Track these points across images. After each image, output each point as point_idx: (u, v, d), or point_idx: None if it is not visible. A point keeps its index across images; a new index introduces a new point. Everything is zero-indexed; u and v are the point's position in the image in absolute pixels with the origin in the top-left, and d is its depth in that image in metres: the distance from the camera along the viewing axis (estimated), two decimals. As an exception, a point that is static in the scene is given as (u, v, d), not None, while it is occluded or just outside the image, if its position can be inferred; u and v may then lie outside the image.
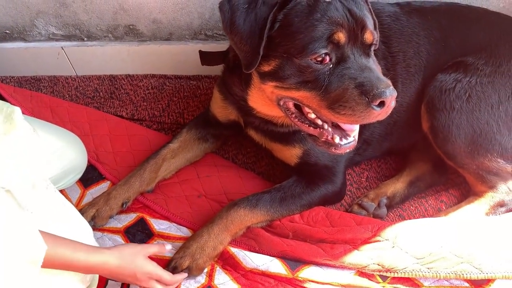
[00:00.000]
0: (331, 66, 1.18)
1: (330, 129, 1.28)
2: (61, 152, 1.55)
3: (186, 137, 1.74)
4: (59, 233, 1.11)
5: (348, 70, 1.17)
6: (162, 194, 1.69)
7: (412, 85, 1.58)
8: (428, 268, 1.37)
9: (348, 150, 1.29)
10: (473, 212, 1.52)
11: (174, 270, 1.41)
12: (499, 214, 1.52)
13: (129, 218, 1.63)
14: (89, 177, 1.75)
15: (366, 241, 1.42)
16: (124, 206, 1.62)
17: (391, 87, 1.14)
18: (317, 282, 1.41)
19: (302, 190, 1.52)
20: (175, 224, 1.61)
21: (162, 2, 1.93)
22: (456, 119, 1.48)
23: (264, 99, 1.37)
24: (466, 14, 1.63)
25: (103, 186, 1.74)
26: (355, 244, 1.43)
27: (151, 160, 1.68)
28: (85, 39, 2.10)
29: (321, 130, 1.28)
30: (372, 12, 1.30)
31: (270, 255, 1.47)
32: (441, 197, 1.64)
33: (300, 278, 1.42)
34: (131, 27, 2.04)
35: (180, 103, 2.04)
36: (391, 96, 1.12)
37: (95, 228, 1.57)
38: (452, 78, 1.50)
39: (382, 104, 1.13)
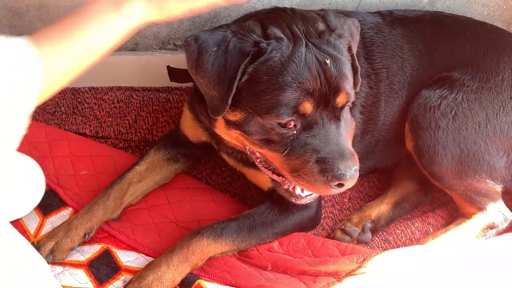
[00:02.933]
0: (295, 132, 1.14)
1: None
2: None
3: (155, 158, 1.61)
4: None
5: (313, 139, 1.13)
6: (128, 222, 1.56)
7: (395, 103, 1.49)
8: (417, 302, 1.29)
9: (309, 201, 1.30)
10: (462, 235, 1.45)
11: None
12: (489, 236, 1.45)
13: (92, 250, 1.49)
14: (48, 204, 1.59)
15: (351, 273, 1.33)
16: (86, 237, 1.48)
17: (354, 167, 1.11)
18: (299, 319, 1.31)
19: (274, 217, 1.42)
20: (143, 255, 1.48)
21: (126, 10, 1.79)
22: (442, 139, 1.40)
23: (231, 138, 1.30)
24: (451, 24, 1.56)
25: (64, 213, 1.59)
26: (339, 276, 1.33)
27: (116, 185, 1.54)
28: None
29: (284, 179, 1.25)
30: (355, 58, 1.23)
31: (247, 290, 1.36)
32: (428, 218, 1.56)
33: (280, 315, 1.31)
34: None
35: (148, 118, 1.90)
36: (351, 179, 1.10)
37: (54, 262, 1.43)
38: (437, 94, 1.42)
39: (341, 185, 1.11)
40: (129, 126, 1.87)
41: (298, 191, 1.26)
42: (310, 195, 1.27)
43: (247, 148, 1.28)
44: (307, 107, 1.11)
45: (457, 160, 1.41)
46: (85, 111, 1.93)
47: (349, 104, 1.19)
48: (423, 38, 1.50)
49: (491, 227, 1.45)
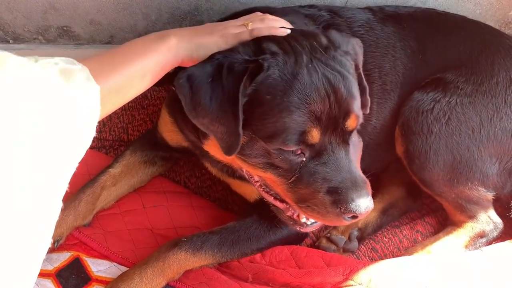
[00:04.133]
0: (304, 159, 1.03)
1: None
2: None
3: (130, 161, 1.51)
4: None
5: (323, 167, 1.03)
6: (100, 228, 1.45)
7: (387, 104, 1.42)
8: (406, 315, 1.22)
9: (314, 229, 1.21)
10: (452, 244, 1.40)
11: None
12: (480, 246, 1.40)
13: (61, 258, 1.38)
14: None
15: (337, 286, 1.25)
16: (55, 244, 1.38)
17: (368, 197, 1.02)
18: (281, 333, 1.23)
19: (261, 232, 1.33)
20: (116, 264, 1.38)
21: (100, 1, 1.67)
22: (434, 144, 1.33)
23: (226, 159, 1.19)
24: (444, 22, 1.49)
25: (32, 218, 1.48)
26: (324, 288, 1.26)
27: (88, 189, 1.43)
28: (11, 41, 1.81)
29: (288, 205, 1.14)
30: (362, 77, 1.14)
31: (226, 302, 1.27)
32: (417, 226, 1.50)
33: (261, 329, 1.23)
34: (65, 28, 1.76)
35: (123, 116, 1.78)
36: (366, 211, 1.01)
37: (20, 272, 1.32)
38: (430, 97, 1.35)
39: (355, 217, 1.02)
40: (103, 124, 1.75)
41: (303, 219, 1.15)
42: (315, 222, 1.16)
43: (244, 171, 1.18)
44: (315, 135, 1.01)
45: (449, 166, 1.34)
46: (57, 106, 1.82)
47: (358, 127, 1.09)
48: (415, 36, 1.43)
49: (482, 235, 1.40)
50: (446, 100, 1.33)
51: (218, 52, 1.07)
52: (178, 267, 1.27)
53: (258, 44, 1.06)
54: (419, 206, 1.55)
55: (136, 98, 1.79)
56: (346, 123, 1.03)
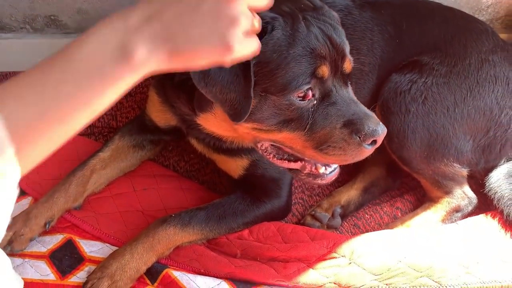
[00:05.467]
0: (315, 102, 1.10)
1: (314, 161, 1.20)
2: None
3: (119, 145, 1.55)
4: None
5: (334, 106, 1.10)
6: (92, 211, 1.49)
7: (366, 85, 1.48)
8: (386, 285, 1.29)
9: (334, 178, 1.23)
10: (430, 219, 1.47)
11: None
12: (455, 220, 1.48)
13: (54, 240, 1.42)
14: (6, 193, 1.51)
15: (322, 258, 1.32)
16: (47, 226, 1.41)
17: (381, 123, 1.10)
18: (270, 305, 1.29)
19: (245, 207, 1.39)
20: (108, 245, 1.42)
21: (88, -10, 1.72)
22: (412, 123, 1.40)
23: (224, 127, 1.23)
24: (421, 9, 1.56)
25: (24, 202, 1.51)
26: (309, 262, 1.32)
27: (78, 172, 1.47)
28: (-2, 30, 1.84)
29: (303, 162, 1.20)
30: None
31: (216, 277, 1.32)
32: (396, 203, 1.57)
33: (251, 302, 1.29)
34: (52, 17, 1.80)
35: (112, 103, 1.82)
36: (383, 133, 1.08)
37: (13, 254, 1.35)
38: (407, 79, 1.42)
39: (374, 142, 1.09)
40: (92, 112, 1.79)
41: (322, 169, 1.21)
42: (333, 171, 1.22)
43: (259, 146, 1.22)
44: (324, 70, 1.09)
45: (426, 144, 1.42)
46: (44, 95, 1.85)
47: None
48: (393, 21, 1.50)
49: (457, 210, 1.48)
50: (422, 81, 1.41)
51: None
52: (167, 242, 1.32)
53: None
54: (398, 184, 1.63)
55: (123, 85, 1.86)
56: (344, 66, 1.13)
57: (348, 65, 1.14)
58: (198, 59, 0.76)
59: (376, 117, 1.11)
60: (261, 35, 1.04)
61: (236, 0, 0.74)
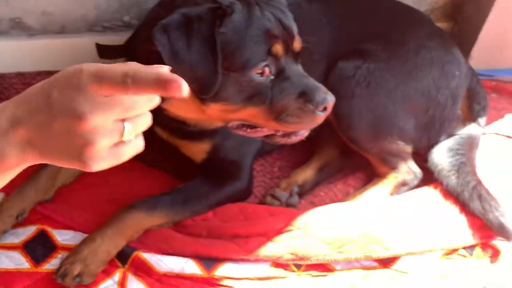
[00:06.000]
0: (272, 77, 1.22)
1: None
2: None
3: None
4: None
5: (288, 81, 1.23)
6: (63, 202, 1.56)
7: (316, 73, 1.58)
8: (339, 252, 1.41)
9: (302, 138, 1.34)
10: (378, 193, 1.59)
11: (64, 278, 1.33)
12: (402, 192, 1.60)
13: (27, 232, 1.48)
14: (-22, 190, 1.57)
15: (279, 231, 1.43)
16: (19, 218, 1.47)
17: (329, 92, 1.24)
18: (234, 278, 1.39)
19: (208, 190, 1.49)
20: (80, 233, 1.49)
21: (51, -7, 1.78)
22: (357, 106, 1.53)
23: (190, 108, 1.32)
24: (364, 1, 1.69)
25: (-4, 198, 1.57)
26: (268, 236, 1.43)
27: (48, 165, 1.54)
28: (-37, 34, 1.88)
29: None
30: None
31: (184, 256, 1.42)
32: (349, 180, 1.69)
33: (216, 277, 1.39)
34: (16, 20, 1.85)
35: (80, 101, 1.90)
36: (332, 101, 1.22)
37: (-13, 246, 1.41)
38: (352, 65, 1.54)
39: (325, 109, 1.22)
40: (60, 110, 1.86)
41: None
42: (301, 132, 1.33)
43: (230, 125, 1.32)
44: (278, 48, 1.21)
45: (371, 124, 1.54)
46: (13, 96, 1.88)
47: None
48: (339, 13, 1.62)
49: (403, 184, 1.60)
50: (365, 67, 1.53)
51: (179, 7, 1.21)
52: (135, 227, 1.41)
53: None
54: (351, 164, 1.73)
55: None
56: (294, 45, 1.26)
57: (298, 44, 1.27)
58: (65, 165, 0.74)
59: (325, 88, 1.25)
60: (222, 18, 1.17)
61: (87, 123, 0.66)
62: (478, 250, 1.48)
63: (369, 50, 1.56)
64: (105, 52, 1.52)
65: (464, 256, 1.47)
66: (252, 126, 1.31)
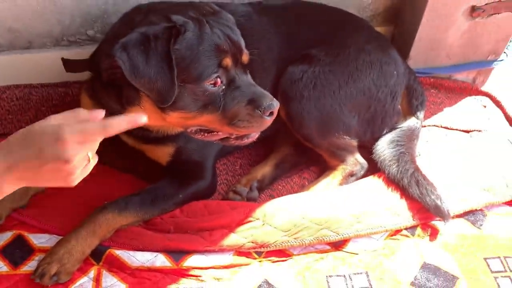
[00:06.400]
0: (223, 87, 1.36)
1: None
2: None
3: None
4: None
5: (238, 90, 1.38)
6: (38, 208, 1.65)
7: (268, 78, 1.75)
8: (295, 239, 1.56)
9: (254, 140, 1.49)
10: (329, 183, 1.75)
11: (42, 278, 1.43)
12: (350, 182, 1.77)
13: (4, 237, 1.57)
14: (-46, 201, 1.65)
15: (240, 223, 1.57)
16: (-5, 225, 1.56)
17: (274, 99, 1.39)
18: (201, 268, 1.52)
19: (174, 189, 1.61)
20: (55, 236, 1.59)
21: (16, 11, 1.86)
22: (306, 106, 1.69)
23: (156, 119, 1.42)
24: (309, 10, 1.86)
25: (-28, 208, 1.65)
26: (230, 227, 1.57)
27: None
28: None
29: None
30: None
31: (154, 251, 1.54)
32: (304, 174, 1.85)
33: (184, 267, 1.51)
34: (-17, 36, 1.93)
35: (49, 112, 1.98)
36: (277, 107, 1.37)
37: (-34, 253, 1.49)
38: (300, 69, 1.70)
39: (271, 114, 1.37)
40: (30, 121, 1.93)
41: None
42: (253, 135, 1.47)
43: (189, 130, 1.44)
44: (228, 61, 1.35)
45: (320, 122, 1.70)
46: (-19, 109, 1.97)
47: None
48: (286, 23, 1.77)
49: (351, 174, 1.77)
50: (311, 70, 1.69)
51: (139, 26, 1.33)
52: (107, 226, 1.52)
53: (168, 17, 1.35)
54: (305, 160, 1.89)
55: (59, 95, 2.03)
56: (242, 58, 1.40)
57: (245, 57, 1.42)
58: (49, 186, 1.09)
59: (270, 95, 1.39)
60: (176, 36, 1.30)
61: (71, 162, 1.00)
62: (419, 230, 1.66)
63: (314, 55, 1.72)
64: (71, 66, 1.62)
65: (407, 236, 1.65)
66: (209, 131, 1.45)
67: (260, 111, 1.35)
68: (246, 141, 1.47)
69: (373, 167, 1.80)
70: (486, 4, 1.91)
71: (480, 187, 1.73)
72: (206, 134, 1.45)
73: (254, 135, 1.47)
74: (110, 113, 1.60)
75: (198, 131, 1.45)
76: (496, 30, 2.02)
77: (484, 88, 2.26)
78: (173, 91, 1.30)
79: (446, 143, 2.00)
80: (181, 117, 1.38)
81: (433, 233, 1.66)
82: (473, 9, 1.94)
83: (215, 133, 1.44)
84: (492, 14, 1.96)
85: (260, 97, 1.37)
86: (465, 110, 2.16)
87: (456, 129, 2.06)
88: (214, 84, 1.35)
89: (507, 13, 1.97)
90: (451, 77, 2.24)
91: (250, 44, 1.67)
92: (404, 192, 1.67)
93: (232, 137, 1.45)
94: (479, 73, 2.24)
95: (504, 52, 2.16)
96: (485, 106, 2.18)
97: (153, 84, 1.30)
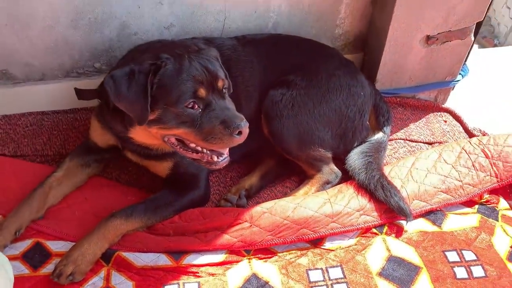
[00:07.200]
0: (200, 110, 1.61)
1: (208, 151, 1.69)
2: None
3: (70, 165, 1.96)
4: None
5: (213, 112, 1.62)
6: (54, 219, 1.88)
7: (252, 101, 2.02)
8: (278, 237, 1.80)
9: (225, 164, 1.71)
10: (308, 190, 2.01)
11: (59, 277, 1.64)
12: (326, 189, 2.01)
13: (25, 245, 1.79)
14: (-20, 214, 1.87)
15: (231, 225, 1.81)
16: (17, 234, 1.78)
17: (244, 119, 1.62)
18: (198, 265, 1.75)
19: (173, 198, 1.85)
20: (70, 242, 1.80)
21: (33, 48, 2.13)
22: (286, 124, 1.96)
23: (148, 136, 1.71)
24: (287, 42, 2.16)
25: (-4, 220, 1.87)
26: (222, 229, 1.81)
27: (39, 189, 1.86)
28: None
29: (202, 154, 1.70)
30: (222, 67, 1.75)
31: (156, 252, 1.77)
32: (286, 183, 2.11)
33: (183, 265, 1.74)
34: (3, 71, 2.19)
35: (60, 135, 2.24)
36: (245, 127, 1.60)
37: (-8, 258, 1.70)
38: (279, 92, 1.98)
39: (240, 133, 1.60)
40: (44, 144, 2.20)
41: (215, 158, 1.69)
42: (224, 159, 1.71)
43: (166, 140, 1.69)
44: (202, 91, 1.61)
45: (298, 137, 1.97)
46: (1, 135, 2.22)
47: (226, 88, 1.70)
48: (267, 53, 2.06)
49: (327, 182, 2.03)
50: (289, 93, 1.97)
51: (127, 61, 1.62)
52: (115, 231, 1.75)
53: (156, 55, 1.63)
54: (287, 171, 2.15)
55: (68, 121, 2.29)
56: (218, 85, 1.65)
57: (221, 83, 1.66)
58: None
59: (242, 116, 1.63)
60: (157, 70, 1.58)
61: None
62: (386, 228, 1.91)
63: (292, 80, 2.00)
64: (82, 95, 1.89)
65: (376, 234, 1.90)
66: (184, 143, 1.68)
67: (230, 130, 1.59)
68: (215, 167, 1.72)
69: (347, 175, 2.06)
70: (438, 33, 2.22)
71: (439, 189, 1.99)
72: (181, 146, 1.69)
73: (224, 162, 1.71)
74: (115, 134, 1.87)
75: (175, 142, 1.69)
76: (450, 55, 2.33)
77: (445, 105, 2.56)
78: (146, 114, 1.58)
79: (411, 153, 2.27)
80: (160, 128, 1.65)
81: (399, 231, 1.91)
82: (428, 38, 2.24)
83: (189, 150, 1.69)
84: (445, 42, 2.26)
85: (231, 118, 1.60)
86: (428, 125, 2.44)
87: (420, 141, 2.34)
88: (192, 107, 1.60)
89: (457, 41, 2.27)
90: (415, 96, 2.54)
91: (235, 71, 1.98)
92: (372, 195, 1.92)
93: (204, 160, 1.70)
94: (440, 92, 2.53)
95: (460, 73, 2.46)
96: (445, 121, 2.47)
97: (132, 107, 1.60)
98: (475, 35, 2.27)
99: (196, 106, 1.61)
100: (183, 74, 1.59)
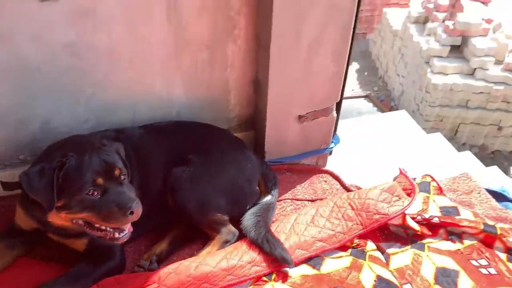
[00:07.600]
0: (99, 196, 1.98)
1: (111, 229, 2.04)
2: None
3: None
4: None
5: (110, 197, 1.98)
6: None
7: (159, 179, 2.42)
8: (184, 295, 2.15)
9: (126, 239, 2.06)
10: (210, 250, 2.38)
11: None
12: (226, 247, 2.39)
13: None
14: None
15: (141, 287, 2.14)
16: None
17: (137, 201, 1.99)
18: (115, 326, 2.04)
19: (91, 270, 2.15)
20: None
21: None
22: (187, 196, 2.36)
23: (61, 219, 2.03)
24: (186, 127, 2.61)
25: None
26: (136, 291, 2.13)
27: None
28: None
29: (105, 232, 2.04)
30: (122, 158, 2.14)
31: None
32: (192, 246, 2.47)
33: (102, 327, 2.03)
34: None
35: (-14, 220, 2.47)
36: (136, 207, 1.97)
37: None
38: (181, 169, 2.40)
39: (132, 212, 1.96)
40: (-29, 231, 2.42)
41: (116, 235, 2.02)
42: (125, 235, 2.04)
43: (74, 222, 2.01)
44: (100, 180, 1.97)
45: (198, 206, 2.38)
46: None
47: (124, 175, 2.06)
48: (169, 137, 2.50)
49: (226, 241, 2.41)
50: (188, 170, 2.39)
51: (41, 159, 1.99)
52: None
53: (64, 152, 1.99)
54: (193, 235, 2.50)
55: (-6, 208, 2.53)
56: (115, 173, 2.02)
57: (117, 172, 2.03)
58: None
59: (135, 199, 1.99)
60: (62, 166, 1.94)
61: None
62: (274, 275, 2.31)
63: (190, 159, 2.43)
64: (8, 187, 2.20)
65: (266, 281, 2.28)
66: (90, 224, 2.03)
67: (123, 211, 1.95)
68: (117, 242, 2.07)
69: (241, 235, 2.47)
70: (307, 112, 2.79)
71: (316, 239, 2.45)
72: (87, 227, 2.04)
73: (125, 237, 2.07)
74: (36, 218, 2.17)
75: (82, 223, 2.03)
76: (320, 129, 2.91)
77: (325, 168, 3.11)
78: (53, 202, 1.93)
79: (296, 210, 2.75)
80: (68, 213, 2.00)
81: (285, 277, 2.31)
82: (300, 116, 2.82)
83: (95, 229, 2.04)
84: (314, 119, 2.84)
85: (125, 201, 1.97)
86: (311, 185, 2.96)
87: (305, 199, 2.84)
88: (92, 194, 1.97)
89: (323, 117, 2.86)
90: (300, 162, 3.07)
91: (143, 156, 2.39)
92: (260, 249, 2.33)
93: (107, 237, 2.05)
94: (319, 158, 3.09)
95: (332, 142, 3.05)
96: (325, 181, 3.01)
97: (41, 196, 1.95)
98: (337, 112, 2.88)
99: (96, 193, 1.97)
100: (84, 168, 1.96)
